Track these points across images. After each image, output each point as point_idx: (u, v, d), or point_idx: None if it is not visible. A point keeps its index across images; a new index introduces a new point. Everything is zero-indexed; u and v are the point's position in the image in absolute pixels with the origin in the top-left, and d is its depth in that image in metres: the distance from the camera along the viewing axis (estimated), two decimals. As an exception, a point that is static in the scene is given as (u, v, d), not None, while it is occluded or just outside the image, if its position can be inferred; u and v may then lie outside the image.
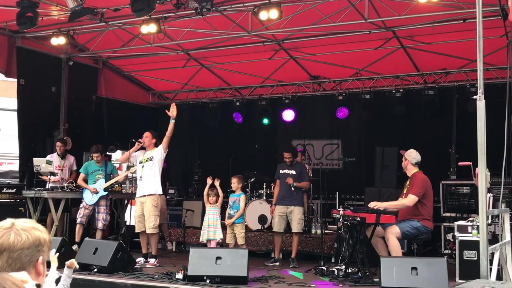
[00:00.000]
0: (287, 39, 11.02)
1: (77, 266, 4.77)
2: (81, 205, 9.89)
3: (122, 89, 13.54)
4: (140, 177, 9.05)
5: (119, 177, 10.33)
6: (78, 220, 9.82)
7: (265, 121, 13.29)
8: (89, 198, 9.81)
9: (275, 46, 11.44)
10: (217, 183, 8.97)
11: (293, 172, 9.46)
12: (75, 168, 10.94)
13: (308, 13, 9.35)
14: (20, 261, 2.03)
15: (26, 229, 2.07)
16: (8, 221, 2.09)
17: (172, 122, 8.90)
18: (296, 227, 9.32)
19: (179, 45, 11.38)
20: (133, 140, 9.14)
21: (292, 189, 9.31)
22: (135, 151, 9.13)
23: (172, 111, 8.88)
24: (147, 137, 9.06)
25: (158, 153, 8.99)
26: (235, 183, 9.14)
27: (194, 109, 14.04)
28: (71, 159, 10.98)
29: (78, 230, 9.76)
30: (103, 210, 9.90)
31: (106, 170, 10.10)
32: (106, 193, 9.96)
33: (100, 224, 9.81)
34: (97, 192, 9.81)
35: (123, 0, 8.74)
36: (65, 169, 10.78)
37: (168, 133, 8.94)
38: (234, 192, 9.24)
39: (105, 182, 9.92)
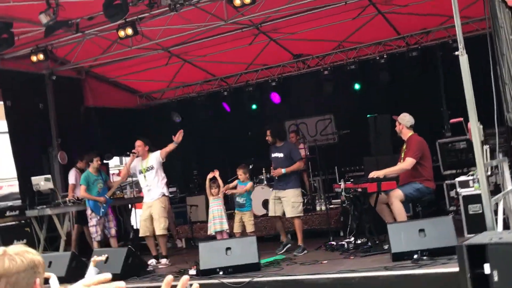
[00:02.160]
0: (264, 22, 10.99)
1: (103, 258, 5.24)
2: (95, 222, 9.64)
3: (108, 96, 13.50)
4: (146, 186, 9.05)
5: (117, 182, 10.35)
6: (98, 238, 9.63)
7: (254, 106, 13.28)
8: (99, 210, 9.75)
9: (254, 31, 11.41)
10: (216, 174, 8.99)
11: (281, 155, 8.71)
12: (72, 182, 10.88)
13: (281, -8, 9.33)
14: (18, 285, 2.05)
15: (19, 253, 2.09)
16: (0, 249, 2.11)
17: (174, 144, 8.89)
18: (290, 211, 8.50)
19: (158, 44, 11.34)
20: (128, 153, 9.17)
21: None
22: (132, 162, 9.14)
23: (178, 137, 8.86)
24: (139, 146, 9.04)
25: (156, 160, 9.02)
26: (241, 174, 9.03)
27: (183, 105, 14.03)
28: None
29: (97, 247, 9.51)
30: (111, 218, 9.94)
31: (103, 178, 10.10)
32: (112, 200, 10.02)
33: (113, 231, 9.84)
34: (106, 202, 9.80)
35: (96, 7, 8.69)
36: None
37: (167, 149, 8.98)
38: (240, 181, 9.17)
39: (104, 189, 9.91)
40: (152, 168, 9.00)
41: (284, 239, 8.97)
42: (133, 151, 9.06)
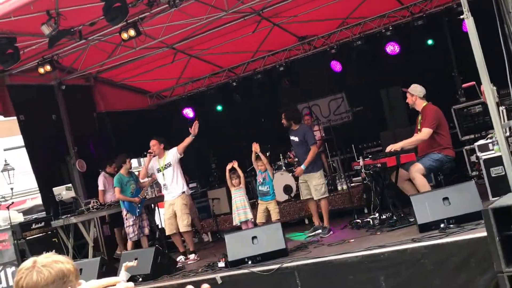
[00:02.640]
0: (265, 7, 10.89)
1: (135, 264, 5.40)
2: (131, 222, 9.71)
3: (119, 99, 13.55)
4: (164, 185, 9.12)
5: (148, 181, 10.51)
6: (135, 238, 9.72)
7: (263, 93, 13.24)
8: (135, 210, 9.81)
9: (256, 18, 11.34)
10: (235, 164, 8.98)
11: (296, 139, 8.80)
12: (101, 188, 11.06)
13: (279, -24, 9.25)
14: None
15: (47, 264, 2.13)
16: (30, 261, 2.14)
17: (191, 137, 8.94)
18: (315, 194, 8.62)
19: (162, 42, 11.31)
20: (144, 153, 9.21)
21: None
22: (149, 163, 9.17)
23: (194, 129, 8.91)
24: (154, 145, 9.08)
25: (173, 156, 9.07)
26: (262, 165, 8.94)
27: (194, 100, 14.04)
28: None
29: (131, 247, 9.70)
30: (145, 217, 10.05)
31: (134, 178, 10.19)
32: (145, 199, 10.23)
33: (146, 231, 9.94)
34: (140, 202, 9.87)
35: (96, 13, 8.69)
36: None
37: (185, 143, 9.05)
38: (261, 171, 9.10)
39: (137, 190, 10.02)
40: (169, 165, 9.04)
41: (316, 223, 8.96)
42: (149, 151, 9.10)
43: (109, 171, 11.08)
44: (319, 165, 8.84)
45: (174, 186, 9.06)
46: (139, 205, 9.84)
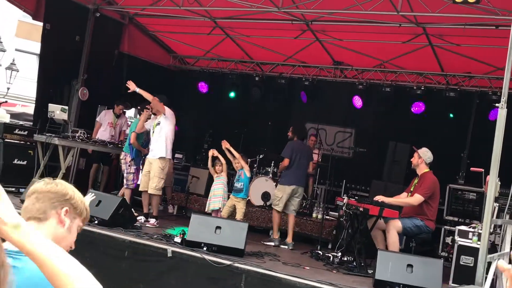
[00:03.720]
0: (316, 20, 10.91)
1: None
2: (133, 170, 9.66)
3: (144, 48, 13.52)
4: (152, 142, 9.15)
5: None
6: (132, 186, 9.68)
7: (280, 99, 13.27)
8: (140, 161, 9.80)
9: (303, 26, 11.35)
10: (215, 152, 9.05)
11: None
12: (124, 128, 11.21)
13: (341, -3, 9.26)
14: (44, 202, 2.17)
15: (60, 182, 2.26)
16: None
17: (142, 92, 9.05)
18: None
19: (207, 11, 11.31)
20: (139, 108, 9.21)
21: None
22: (147, 118, 9.18)
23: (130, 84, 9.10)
24: (156, 102, 9.05)
25: (164, 117, 9.06)
26: (237, 162, 9.02)
27: (213, 78, 14.02)
28: (124, 118, 11.48)
29: (129, 195, 9.63)
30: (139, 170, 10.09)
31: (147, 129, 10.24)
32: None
33: (135, 183, 9.93)
34: (145, 154, 9.69)
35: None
36: (117, 127, 11.29)
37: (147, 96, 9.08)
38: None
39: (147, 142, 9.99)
40: (158, 124, 9.04)
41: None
42: (146, 106, 9.11)
43: (115, 111, 11.35)
44: (282, 180, 9.18)
45: (156, 146, 9.03)
46: (143, 156, 9.78)
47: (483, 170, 6.83)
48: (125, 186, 9.69)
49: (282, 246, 8.93)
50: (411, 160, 8.10)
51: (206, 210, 9.17)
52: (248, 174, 8.98)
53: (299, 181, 9.07)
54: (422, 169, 7.87)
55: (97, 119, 11.38)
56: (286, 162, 8.97)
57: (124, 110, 12.17)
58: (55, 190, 2.21)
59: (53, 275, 1.48)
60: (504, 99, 5.57)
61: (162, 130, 9.03)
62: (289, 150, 9.03)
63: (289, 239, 9.00)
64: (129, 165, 9.71)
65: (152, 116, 9.32)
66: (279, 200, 8.96)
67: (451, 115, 11.43)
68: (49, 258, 1.48)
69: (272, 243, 8.99)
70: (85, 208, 2.30)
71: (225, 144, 9.02)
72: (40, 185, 2.21)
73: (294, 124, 9.51)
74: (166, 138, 9.05)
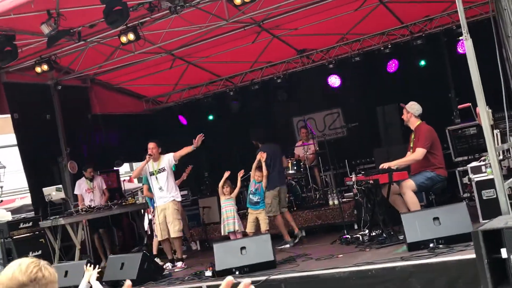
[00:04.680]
0: (266, 19, 10.93)
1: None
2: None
3: (115, 102, 13.51)
4: (160, 188, 9.04)
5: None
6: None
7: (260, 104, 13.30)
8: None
9: (256, 29, 11.36)
10: (240, 174, 9.13)
11: None
12: (104, 187, 11.10)
13: (280, -11, 9.28)
14: None
15: (17, 269, 2.20)
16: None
17: (192, 148, 8.96)
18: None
19: (161, 47, 11.31)
20: (145, 157, 9.15)
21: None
22: (146, 164, 9.14)
23: (198, 141, 8.91)
24: (153, 148, 9.03)
25: (168, 162, 9.05)
26: (260, 176, 9.02)
27: (190, 107, 14.02)
28: (98, 179, 11.23)
29: (156, 243, 9.73)
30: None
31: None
32: None
33: None
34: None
35: (97, 15, 8.67)
36: (96, 190, 11.01)
37: (182, 152, 9.06)
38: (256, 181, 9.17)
39: None
40: (164, 170, 9.01)
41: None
42: (149, 153, 9.04)
43: (87, 176, 11.10)
44: (270, 185, 9.20)
45: (167, 192, 9.02)
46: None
47: (470, 104, 6.82)
48: (155, 237, 9.65)
49: (296, 241, 9.29)
50: (402, 117, 8.08)
51: (222, 234, 9.16)
52: (265, 189, 9.06)
53: (280, 181, 9.43)
54: (414, 122, 7.85)
55: (76, 192, 11.17)
56: (267, 172, 9.04)
57: (117, 168, 12.21)
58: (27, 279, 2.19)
59: None
60: (465, 30, 5.57)
61: (169, 174, 9.06)
62: (266, 160, 9.09)
63: (296, 232, 9.42)
64: (153, 216, 9.75)
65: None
66: (271, 205, 9.12)
67: (423, 62, 11.44)
68: None
69: (288, 245, 9.11)
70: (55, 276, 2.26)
71: (262, 156, 8.97)
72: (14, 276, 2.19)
73: (250, 133, 9.90)
74: (174, 181, 9.17)
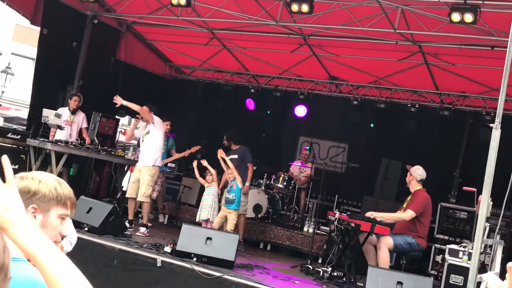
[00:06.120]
0: (313, 35, 10.97)
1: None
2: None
3: (141, 56, 13.51)
4: (142, 150, 9.28)
5: (178, 155, 10.86)
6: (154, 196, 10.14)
7: (275, 112, 13.32)
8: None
9: (300, 40, 11.40)
10: (205, 163, 9.13)
11: (235, 156, 9.64)
12: (85, 125, 10.87)
13: (338, 12, 9.32)
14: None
15: (25, 176, 2.12)
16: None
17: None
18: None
19: (205, 22, 11.34)
20: (136, 116, 9.26)
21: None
22: (137, 126, 9.23)
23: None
24: (144, 111, 9.10)
25: (155, 127, 9.17)
26: (231, 172, 8.98)
27: (209, 88, 14.01)
28: (81, 115, 10.88)
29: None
30: (159, 182, 10.31)
31: (168, 144, 10.54)
32: (165, 168, 10.69)
33: (155, 195, 10.15)
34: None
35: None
36: (74, 125, 10.69)
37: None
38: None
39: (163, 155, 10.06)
40: (148, 133, 9.10)
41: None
42: (136, 115, 9.16)
43: (70, 107, 10.63)
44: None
45: (146, 155, 9.14)
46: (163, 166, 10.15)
47: (475, 189, 6.85)
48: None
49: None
50: (406, 178, 8.11)
51: (196, 220, 9.17)
52: (240, 185, 8.96)
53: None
54: (414, 186, 7.89)
55: (85, 125, 10.93)
56: (233, 165, 9.08)
57: (119, 117, 12.19)
58: (18, 188, 2.13)
59: (52, 281, 1.47)
60: (498, 119, 5.58)
61: (151, 138, 9.14)
62: (237, 161, 9.41)
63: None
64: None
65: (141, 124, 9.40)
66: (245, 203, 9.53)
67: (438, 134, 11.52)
68: (51, 263, 1.47)
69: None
70: (59, 194, 2.15)
71: (220, 153, 9.02)
72: None
73: (226, 133, 10.10)
74: (156, 147, 9.15)
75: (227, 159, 8.98)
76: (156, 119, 9.17)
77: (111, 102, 9.37)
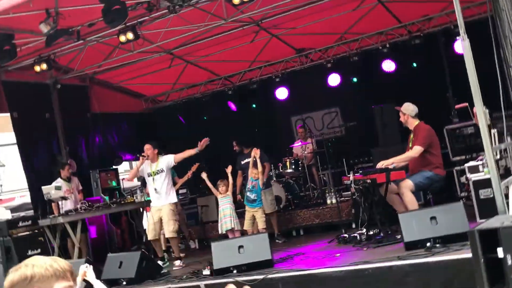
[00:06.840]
0: (264, 18, 10.95)
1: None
2: None
3: (114, 101, 13.54)
4: (155, 190, 9.08)
5: (182, 181, 10.66)
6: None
7: (258, 104, 13.34)
8: None
9: (255, 28, 11.39)
10: (228, 170, 9.07)
11: (249, 160, 9.33)
12: (80, 187, 11.00)
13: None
14: None
15: (19, 266, 2.18)
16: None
17: (195, 151, 9.06)
18: (270, 208, 9.74)
19: (160, 46, 11.34)
20: (137, 155, 9.21)
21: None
22: (141, 166, 9.15)
23: (202, 145, 9.05)
24: (149, 149, 9.07)
25: (167, 163, 9.09)
26: (257, 173, 9.02)
27: (189, 106, 14.04)
28: (75, 180, 10.98)
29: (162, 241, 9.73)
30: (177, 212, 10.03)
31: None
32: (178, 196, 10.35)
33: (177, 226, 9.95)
34: None
35: (96, 14, 8.69)
36: (74, 191, 10.78)
37: (185, 154, 9.12)
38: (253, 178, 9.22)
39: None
40: (161, 171, 9.04)
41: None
42: (142, 154, 9.08)
43: (63, 176, 10.64)
44: (269, 183, 9.91)
45: (163, 193, 9.05)
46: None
47: (467, 104, 6.84)
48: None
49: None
50: (400, 119, 8.10)
51: (219, 232, 9.20)
52: (262, 186, 9.09)
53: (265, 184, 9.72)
54: (412, 123, 7.87)
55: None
56: (262, 169, 9.14)
57: (116, 166, 12.22)
58: (16, 279, 2.15)
59: None
60: (462, 30, 5.59)
61: (167, 176, 9.09)
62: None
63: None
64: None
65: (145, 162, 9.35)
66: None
67: (414, 64, 11.50)
68: None
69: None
70: (56, 269, 2.19)
71: (255, 152, 8.97)
72: (7, 279, 2.16)
73: (235, 139, 10.43)
74: (172, 183, 9.25)
75: (258, 161, 8.95)
76: (168, 156, 9.18)
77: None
